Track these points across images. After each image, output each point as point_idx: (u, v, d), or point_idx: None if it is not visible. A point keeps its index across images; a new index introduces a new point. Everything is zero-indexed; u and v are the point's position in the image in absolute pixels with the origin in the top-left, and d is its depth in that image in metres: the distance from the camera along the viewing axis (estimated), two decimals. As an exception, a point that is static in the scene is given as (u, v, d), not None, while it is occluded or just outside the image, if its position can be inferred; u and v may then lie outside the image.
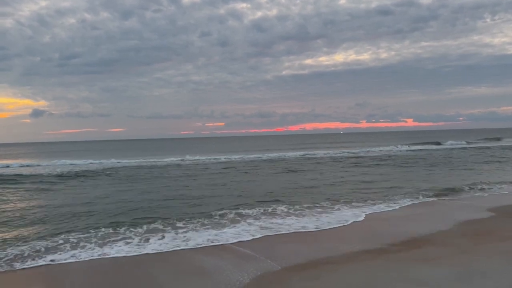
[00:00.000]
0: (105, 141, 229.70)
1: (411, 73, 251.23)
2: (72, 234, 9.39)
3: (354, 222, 10.28)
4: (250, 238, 8.91)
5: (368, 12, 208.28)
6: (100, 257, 7.73)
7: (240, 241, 8.63)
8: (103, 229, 9.81)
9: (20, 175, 24.01)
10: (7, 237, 9.32)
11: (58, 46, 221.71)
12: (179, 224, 10.26)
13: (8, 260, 7.52)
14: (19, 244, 8.62)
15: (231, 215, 11.24)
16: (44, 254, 7.91)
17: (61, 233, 9.48)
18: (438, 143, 59.61)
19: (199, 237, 8.99)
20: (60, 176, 23.73)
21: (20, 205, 14.16)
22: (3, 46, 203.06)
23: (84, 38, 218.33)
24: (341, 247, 7.95)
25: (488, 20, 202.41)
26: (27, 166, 33.65)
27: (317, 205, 12.60)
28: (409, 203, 12.84)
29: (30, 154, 64.79)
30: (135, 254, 7.90)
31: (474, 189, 15.30)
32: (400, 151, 44.41)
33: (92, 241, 8.82)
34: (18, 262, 7.42)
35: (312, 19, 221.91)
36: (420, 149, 46.34)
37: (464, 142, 61.53)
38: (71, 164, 34.12)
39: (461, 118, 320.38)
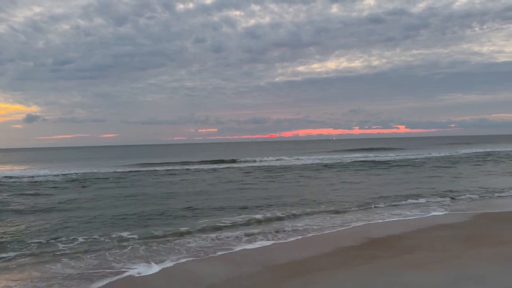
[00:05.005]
0: (98, 147, 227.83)
1: (403, 80, 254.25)
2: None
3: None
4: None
5: (360, 20, 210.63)
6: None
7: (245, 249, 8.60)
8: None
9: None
10: None
11: (52, 52, 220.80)
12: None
13: None
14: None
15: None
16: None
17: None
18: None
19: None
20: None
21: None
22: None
23: (78, 44, 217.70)
24: (334, 252, 7.96)
25: (476, 29, 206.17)
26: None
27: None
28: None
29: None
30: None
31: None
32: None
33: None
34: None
35: (304, 27, 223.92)
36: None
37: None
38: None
39: (452, 125, 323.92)
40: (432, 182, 19.95)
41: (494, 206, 12.89)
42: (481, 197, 14.88)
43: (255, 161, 41.98)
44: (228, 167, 34.23)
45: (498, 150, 51.52)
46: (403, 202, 14.01)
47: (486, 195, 15.30)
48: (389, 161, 37.19)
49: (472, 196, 15.09)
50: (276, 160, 43.72)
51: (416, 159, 39.44)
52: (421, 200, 14.30)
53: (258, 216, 11.94)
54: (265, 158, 45.84)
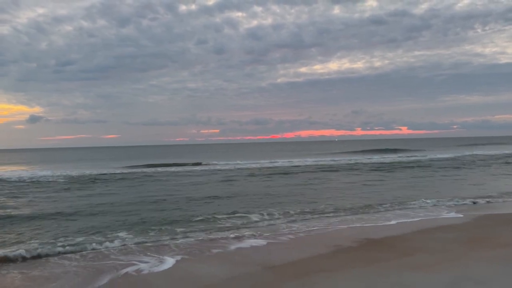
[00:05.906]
0: (100, 147, 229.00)
1: (405, 81, 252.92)
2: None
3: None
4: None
5: (362, 21, 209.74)
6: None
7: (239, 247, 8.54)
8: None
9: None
10: None
11: (55, 53, 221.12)
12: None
13: None
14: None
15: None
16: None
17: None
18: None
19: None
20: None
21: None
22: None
23: (80, 45, 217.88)
24: (333, 253, 7.88)
25: (479, 30, 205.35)
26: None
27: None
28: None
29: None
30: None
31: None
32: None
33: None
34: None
35: (306, 28, 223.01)
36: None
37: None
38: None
39: (455, 126, 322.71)
40: (436, 184, 19.83)
41: (497, 208, 12.78)
42: (484, 199, 14.70)
43: (255, 162, 41.91)
44: (230, 168, 34.17)
45: (504, 152, 51.13)
46: (407, 204, 13.87)
47: (490, 197, 15.13)
48: (393, 162, 37.06)
49: (475, 197, 14.93)
50: (279, 162, 43.64)
51: (421, 161, 39.24)
52: (425, 202, 14.16)
53: (257, 217, 11.89)
54: (267, 160, 45.84)
